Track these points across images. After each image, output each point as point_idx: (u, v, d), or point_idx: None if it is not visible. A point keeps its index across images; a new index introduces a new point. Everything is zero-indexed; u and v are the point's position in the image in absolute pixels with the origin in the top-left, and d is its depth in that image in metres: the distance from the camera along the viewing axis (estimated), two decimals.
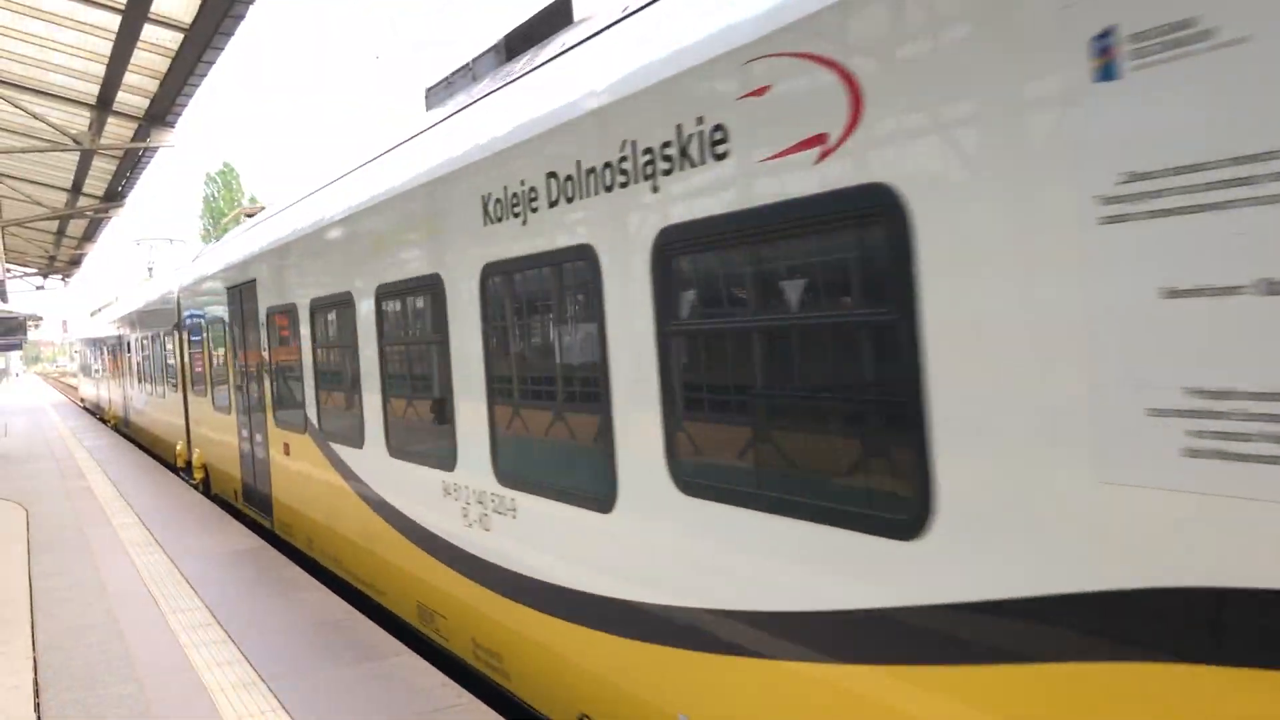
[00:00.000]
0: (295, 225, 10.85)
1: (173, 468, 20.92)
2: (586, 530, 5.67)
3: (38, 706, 6.91)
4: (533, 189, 5.88)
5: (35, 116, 15.47)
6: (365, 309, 8.74)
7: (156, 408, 23.33)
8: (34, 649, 8.23)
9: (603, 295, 5.29)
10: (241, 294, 13.15)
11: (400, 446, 8.32)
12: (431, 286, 7.36)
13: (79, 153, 18.20)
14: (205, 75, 13.55)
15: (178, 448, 20.39)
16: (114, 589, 10.12)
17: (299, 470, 11.25)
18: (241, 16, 11.32)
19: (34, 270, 39.74)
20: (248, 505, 14.22)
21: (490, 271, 6.49)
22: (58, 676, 7.49)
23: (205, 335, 16.05)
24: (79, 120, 16.41)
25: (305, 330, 10.48)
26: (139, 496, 16.49)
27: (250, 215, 18.59)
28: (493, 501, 6.70)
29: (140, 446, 26.14)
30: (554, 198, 5.68)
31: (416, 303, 7.89)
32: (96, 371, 41.78)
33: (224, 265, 14.22)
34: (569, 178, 5.51)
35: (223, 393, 15.04)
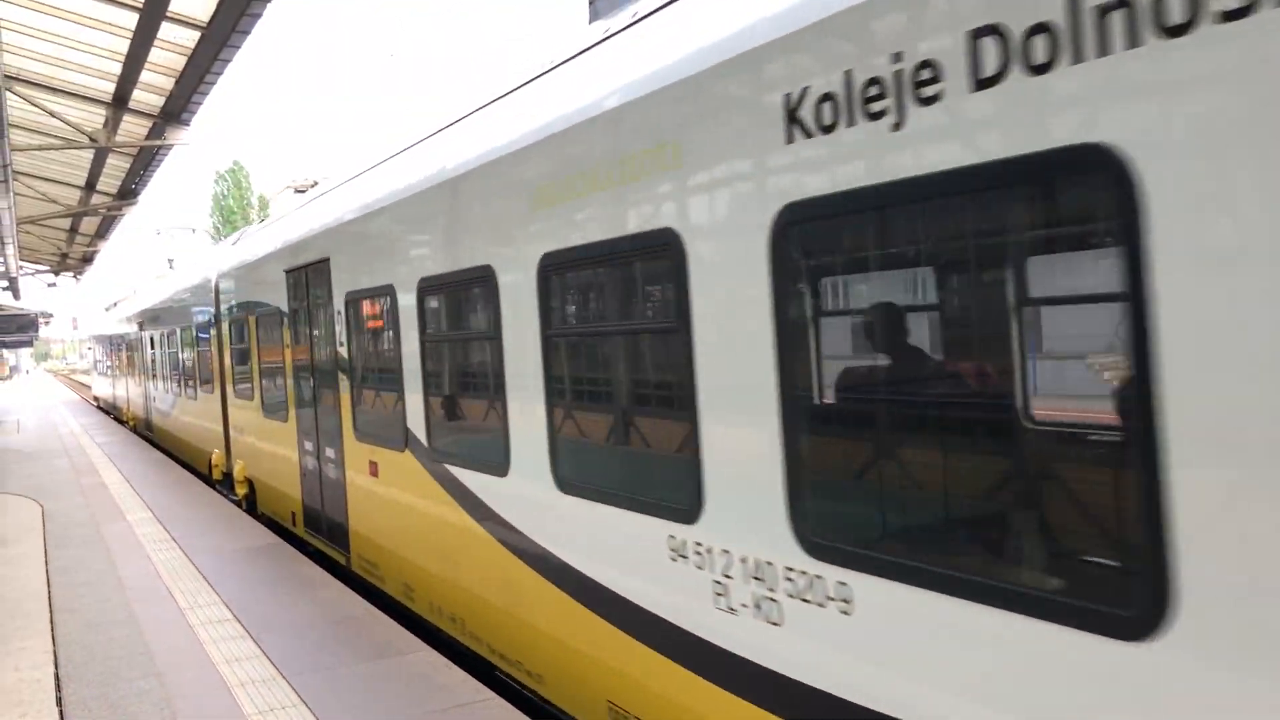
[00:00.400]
0: (396, 185, 8.51)
1: (206, 478, 18.12)
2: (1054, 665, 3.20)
3: (60, 699, 6.96)
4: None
5: (52, 114, 15.54)
6: (519, 287, 6.31)
7: (187, 410, 20.46)
8: (54, 643, 8.28)
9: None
10: (307, 278, 10.97)
11: (580, 479, 5.88)
12: (659, 247, 4.90)
13: (94, 150, 18.27)
14: (221, 74, 13.59)
15: (213, 457, 17.38)
16: (131, 584, 10.18)
17: (394, 498, 8.90)
18: (259, 15, 11.35)
19: (46, 267, 39.86)
20: (312, 534, 11.77)
21: (801, 216, 4.08)
22: (79, 670, 7.54)
23: (251, 328, 13.79)
24: (95, 118, 16.48)
25: (408, 318, 8.13)
26: (152, 492, 16.56)
27: (301, 191, 17.46)
28: (791, 582, 4.28)
29: (165, 452, 23.74)
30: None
31: (622, 274, 5.54)
32: (112, 369, 38.58)
33: (279, 246, 12.11)
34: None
35: (276, 395, 12.78)
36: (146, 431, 28.21)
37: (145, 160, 19.05)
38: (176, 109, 15.42)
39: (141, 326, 27.22)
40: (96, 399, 48.13)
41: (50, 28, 13.22)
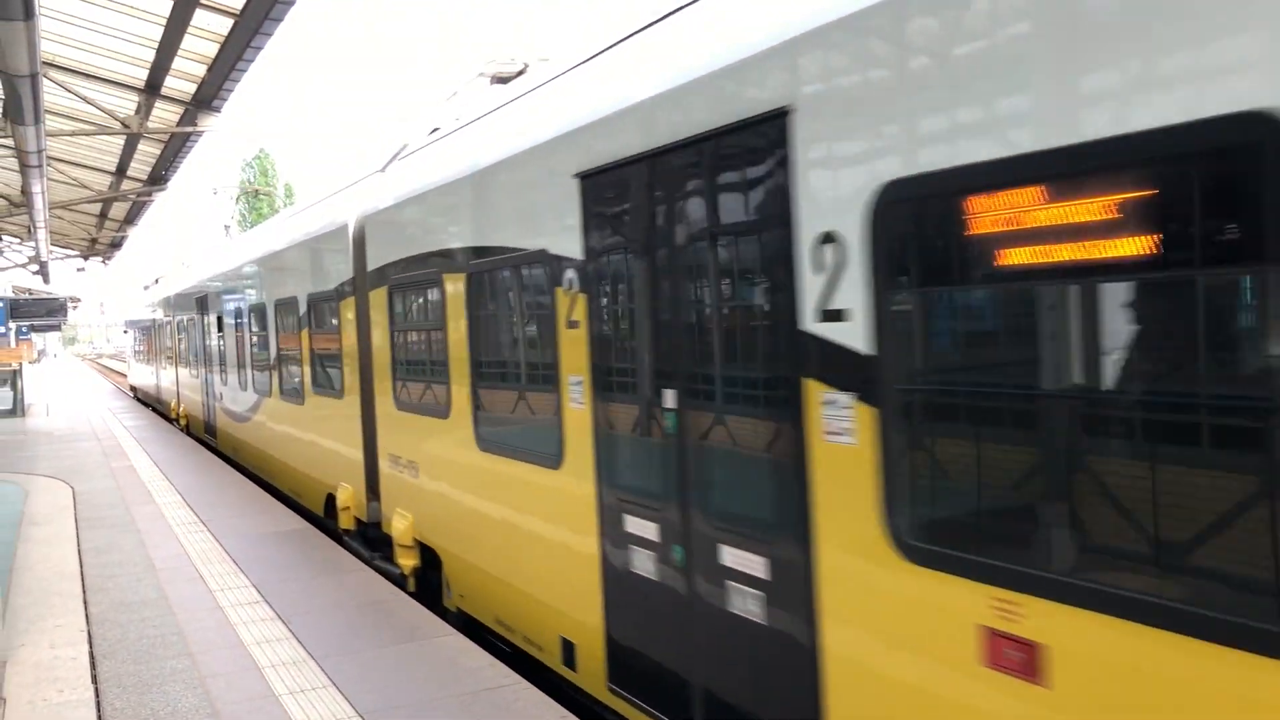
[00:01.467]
0: None
1: (318, 520, 12.97)
2: None
3: (95, 677, 7.07)
4: None
5: (85, 100, 15.69)
6: None
7: (287, 420, 14.47)
8: (87, 621, 8.41)
9: None
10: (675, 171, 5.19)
11: None
12: None
13: (125, 136, 18.43)
14: (253, 60, 13.67)
15: (339, 494, 11.65)
16: (162, 566, 10.31)
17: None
18: (292, 3, 11.41)
19: (75, 252, 40.24)
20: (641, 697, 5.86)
21: None
22: (113, 649, 7.66)
23: (455, 297, 8.01)
24: (127, 104, 16.62)
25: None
26: (181, 475, 16.74)
27: (505, 80, 8.95)
28: None
29: (239, 468, 18.09)
30: None
31: None
32: (156, 356, 32.59)
33: (565, 129, 6.35)
34: None
35: (523, 424, 7.16)
36: (207, 437, 22.19)
37: (176, 146, 19.19)
38: (208, 95, 15.52)
39: (203, 305, 21.39)
40: (134, 389, 43.22)
41: (85, 14, 13.34)
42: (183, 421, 26.39)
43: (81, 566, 10.42)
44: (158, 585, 9.53)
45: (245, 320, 17.05)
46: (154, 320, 32.23)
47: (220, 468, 17.66)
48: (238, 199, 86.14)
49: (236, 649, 7.53)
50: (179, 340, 26.06)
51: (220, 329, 19.49)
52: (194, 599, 9.00)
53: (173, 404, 28.22)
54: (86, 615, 8.63)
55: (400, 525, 9.56)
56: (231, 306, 18.28)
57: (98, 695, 6.70)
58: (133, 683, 6.89)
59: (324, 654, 7.31)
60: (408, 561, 9.51)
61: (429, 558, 9.24)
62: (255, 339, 16.22)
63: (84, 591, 9.41)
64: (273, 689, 6.65)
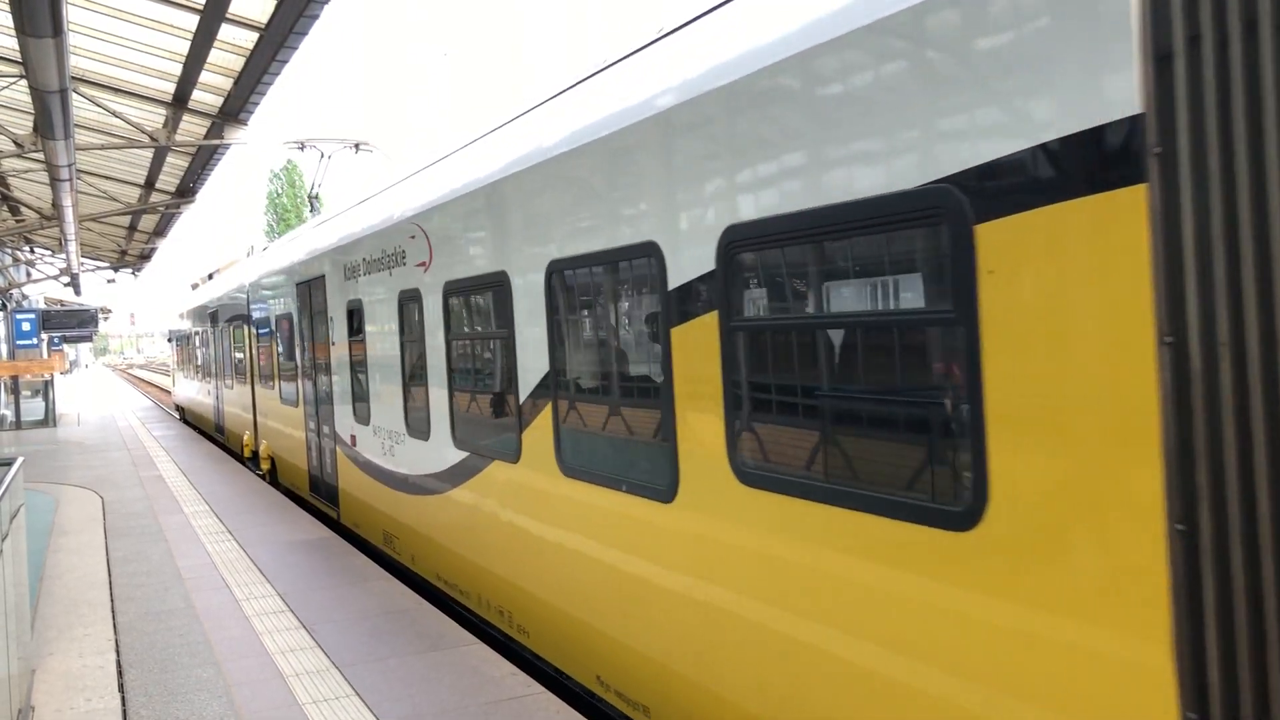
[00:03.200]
0: None
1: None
2: None
3: (121, 685, 7.14)
4: None
5: (114, 114, 15.90)
6: None
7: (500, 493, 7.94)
8: (115, 630, 8.49)
9: None
10: None
11: None
12: None
13: (154, 150, 18.66)
14: (279, 74, 13.83)
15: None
16: (189, 575, 10.39)
17: None
18: (316, 16, 11.53)
19: (106, 264, 40.73)
20: None
21: None
22: (140, 657, 7.72)
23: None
24: (155, 118, 16.83)
25: None
26: (209, 485, 16.88)
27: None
28: None
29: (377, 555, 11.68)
30: None
31: None
32: (216, 371, 24.39)
33: None
34: None
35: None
36: (320, 501, 14.28)
37: (204, 159, 19.42)
38: (235, 108, 15.70)
39: (311, 297, 13.99)
40: (179, 407, 35.48)
41: (113, 29, 13.53)
42: (264, 464, 17.83)
43: (110, 576, 10.52)
44: (184, 594, 9.61)
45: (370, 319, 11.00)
46: (209, 326, 24.96)
47: (245, 475, 17.79)
48: (266, 210, 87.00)
49: (261, 657, 7.58)
50: (259, 349, 18.01)
51: (359, 329, 11.56)
52: (220, 608, 9.07)
53: (245, 437, 20.01)
54: (114, 624, 8.71)
55: None
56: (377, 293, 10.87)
57: (124, 704, 6.76)
58: (159, 691, 6.95)
59: (347, 663, 7.35)
60: None
61: None
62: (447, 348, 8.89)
63: (112, 600, 9.51)
64: (296, 698, 6.69)
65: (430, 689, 6.71)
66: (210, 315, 25.14)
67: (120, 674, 7.39)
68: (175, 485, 17.09)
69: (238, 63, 13.83)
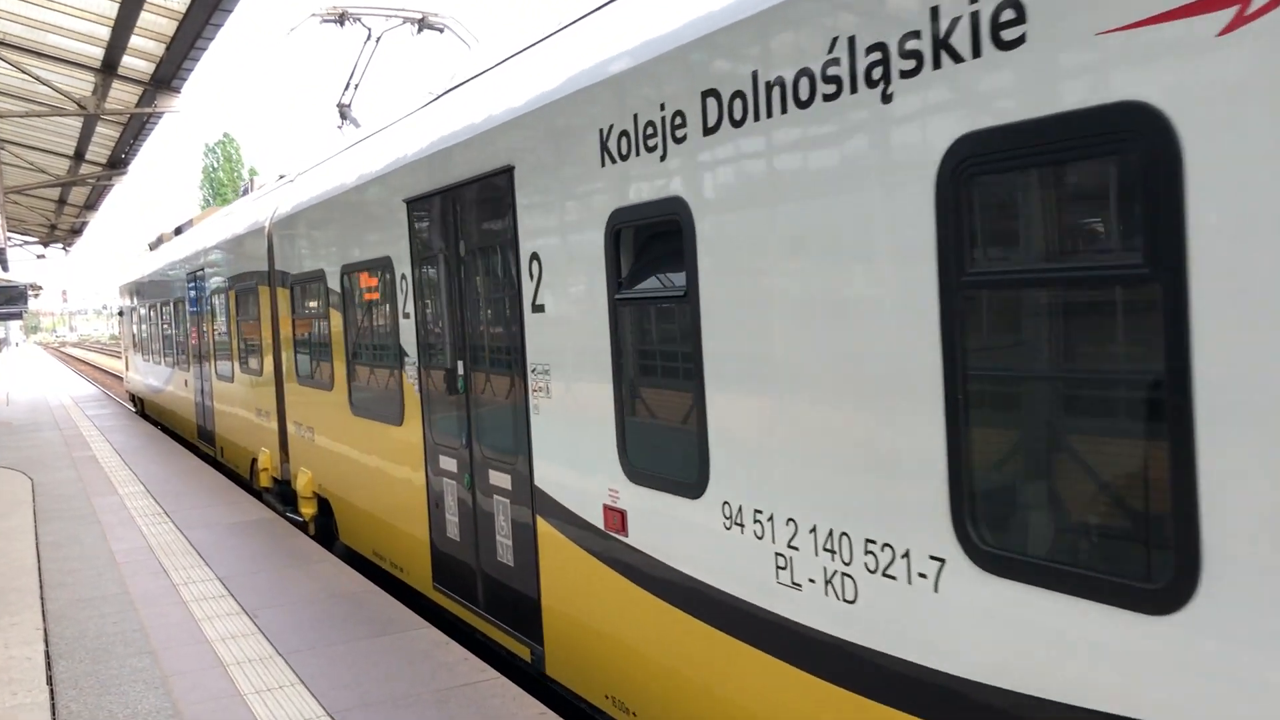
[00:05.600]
0: None
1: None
2: None
3: (50, 679, 6.78)
4: None
5: (38, 80, 15.21)
6: None
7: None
8: (44, 619, 8.10)
9: None
10: None
11: None
12: None
13: (82, 119, 17.93)
14: (213, 39, 13.27)
15: None
16: (123, 559, 9.99)
17: None
18: None
19: (34, 239, 39.43)
20: None
21: None
22: (70, 647, 7.36)
23: None
24: (83, 85, 16.14)
25: None
26: (144, 465, 16.35)
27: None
28: None
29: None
30: None
31: None
32: (200, 353, 17.51)
33: None
34: None
35: None
36: (388, 563, 9.35)
37: (135, 129, 18.72)
38: (167, 76, 15.09)
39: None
40: (137, 399, 28.33)
41: None
42: (305, 507, 11.54)
43: (39, 561, 10.08)
44: (119, 579, 9.22)
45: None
46: (188, 293, 18.23)
47: (183, 455, 17.25)
48: (202, 184, 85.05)
49: (200, 645, 7.26)
50: (298, 324, 11.62)
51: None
52: (156, 593, 8.70)
53: (262, 456, 13.32)
54: (43, 612, 8.32)
55: None
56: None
57: (53, 698, 6.41)
58: (90, 683, 6.60)
59: (292, 649, 7.05)
60: None
61: None
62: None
63: (41, 587, 9.09)
64: (238, 688, 6.39)
65: (380, 676, 6.45)
66: (192, 277, 17.69)
67: (49, 665, 7.03)
68: (109, 466, 16.53)
69: (169, 26, 13.26)
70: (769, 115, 4.22)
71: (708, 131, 4.56)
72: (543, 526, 6.26)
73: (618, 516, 5.51)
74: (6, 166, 22.65)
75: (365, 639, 7.18)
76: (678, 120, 4.76)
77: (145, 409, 26.45)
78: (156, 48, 14.20)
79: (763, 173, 4.30)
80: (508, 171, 6.34)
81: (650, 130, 4.96)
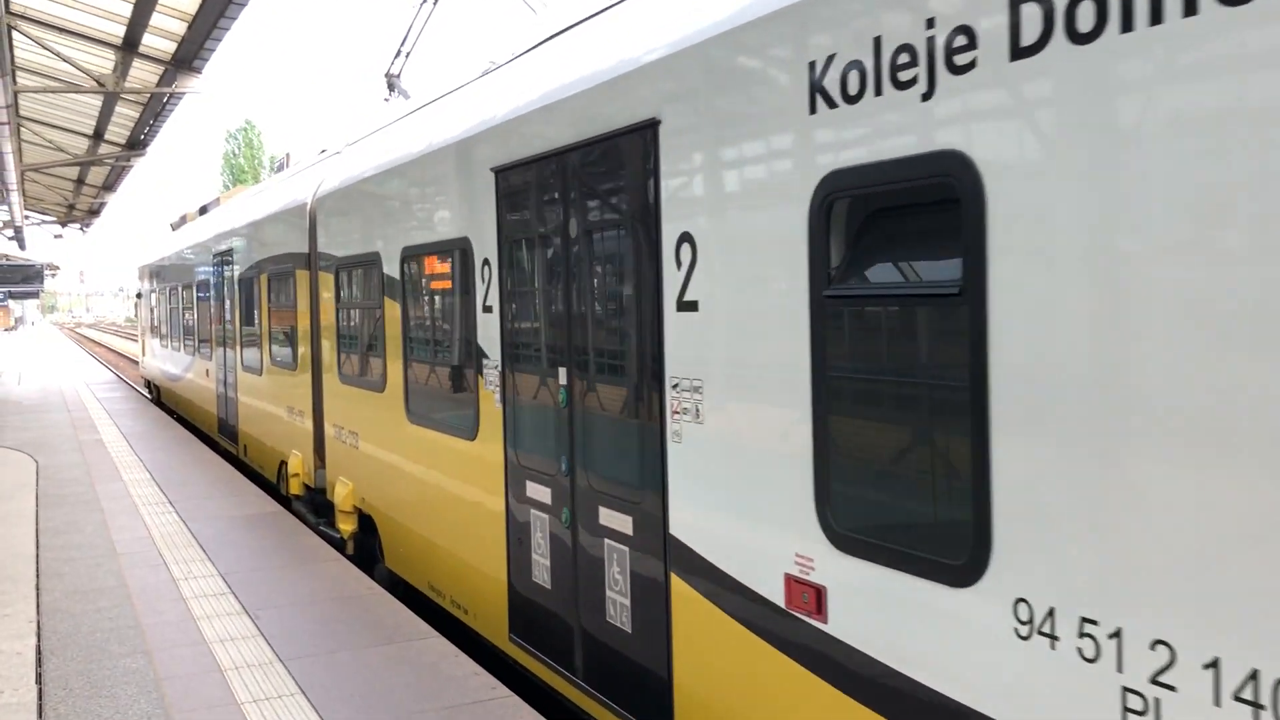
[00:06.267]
0: None
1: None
2: None
3: (40, 676, 6.46)
4: None
5: (59, 56, 14.96)
6: None
7: None
8: (38, 611, 7.78)
9: None
10: None
11: None
12: None
13: (102, 97, 17.70)
14: (235, 19, 13.00)
15: None
16: (124, 550, 9.67)
17: None
18: None
19: (52, 218, 39.30)
20: None
21: None
22: (63, 643, 7.03)
23: None
24: (104, 62, 15.89)
25: None
26: (150, 451, 16.06)
27: None
28: None
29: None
30: None
31: None
32: (225, 340, 16.09)
33: None
34: None
35: None
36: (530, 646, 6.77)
37: (155, 109, 18.46)
38: (189, 55, 14.82)
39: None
40: (153, 387, 27.09)
41: None
42: (344, 523, 10.15)
43: (38, 548, 9.78)
44: (117, 571, 8.90)
45: None
46: (215, 275, 16.69)
47: (191, 443, 16.96)
48: (222, 170, 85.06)
49: (198, 647, 6.92)
50: (344, 311, 10.12)
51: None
52: (155, 588, 8.38)
53: (292, 460, 12.03)
54: (38, 603, 8.00)
55: None
56: None
57: (40, 698, 6.09)
58: (80, 684, 6.27)
59: (293, 655, 6.71)
60: None
61: None
62: None
63: (38, 576, 8.78)
64: (235, 695, 6.05)
65: (385, 688, 6.10)
66: (218, 259, 16.34)
67: (40, 662, 6.70)
68: (116, 451, 16.25)
69: (192, 5, 12.98)
70: (1156, 20, 2.70)
71: (1020, 53, 3.08)
72: (680, 588, 4.83)
73: (810, 593, 4.01)
74: (25, 144, 22.44)
75: (371, 646, 6.83)
76: (959, 41, 3.28)
77: (161, 397, 25.23)
78: (179, 26, 13.94)
79: (1128, 113, 2.80)
80: (649, 127, 4.91)
81: (905, 58, 3.47)
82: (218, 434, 17.23)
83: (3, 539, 10.16)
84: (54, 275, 56.12)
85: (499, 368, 6.65)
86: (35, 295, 55.25)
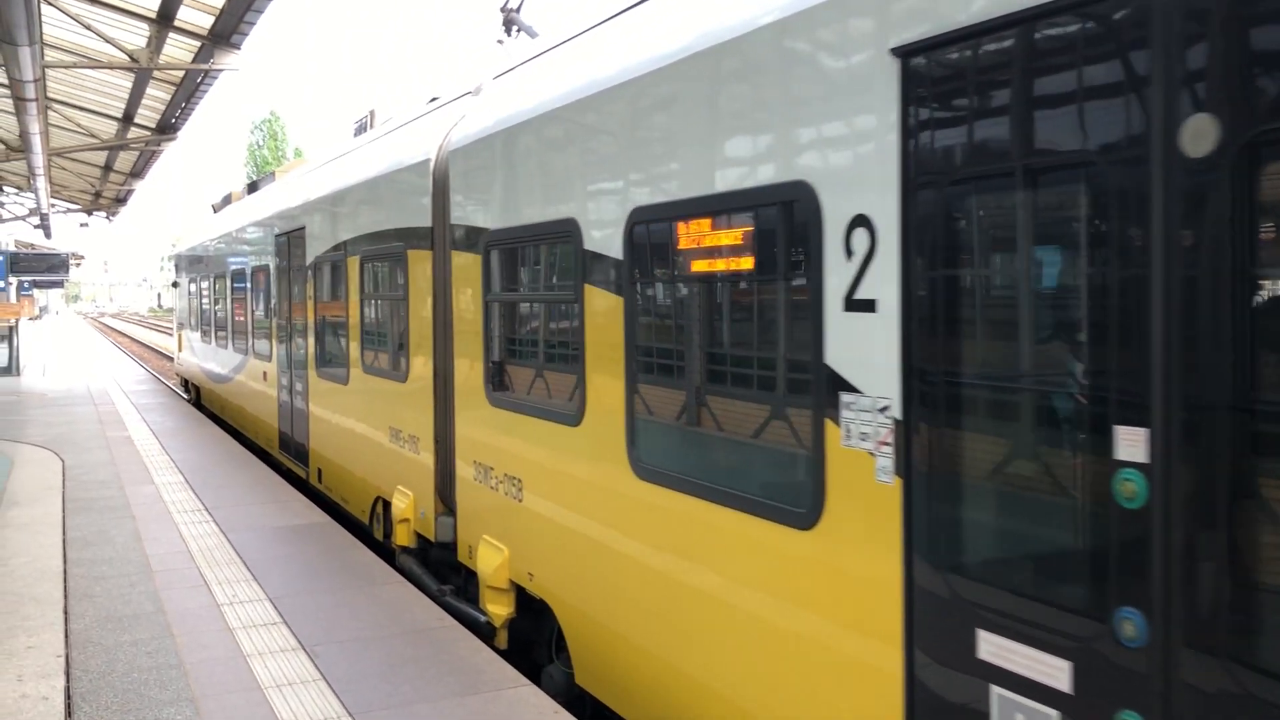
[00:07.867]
0: None
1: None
2: None
3: None
4: None
5: (89, 28, 14.03)
6: None
7: None
8: (66, 642, 6.84)
9: None
10: None
11: None
12: None
13: (132, 77, 16.79)
14: None
15: None
16: (159, 566, 8.74)
17: None
18: None
19: (78, 206, 38.55)
20: None
21: None
22: (95, 686, 6.08)
23: None
24: (136, 38, 14.96)
25: None
26: (182, 450, 15.14)
27: None
28: None
29: None
30: None
31: None
32: (290, 337, 13.75)
33: None
34: None
35: None
36: None
37: (189, 89, 17.51)
38: (227, 29, 13.84)
39: None
40: (191, 387, 24.81)
41: None
42: (494, 608, 7.42)
43: (65, 563, 8.85)
44: (153, 593, 7.96)
45: None
46: (280, 261, 14.46)
47: (224, 440, 16.03)
48: (246, 162, 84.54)
49: (251, 693, 5.96)
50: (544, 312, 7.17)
51: None
52: (197, 614, 7.43)
53: (399, 502, 9.40)
54: (66, 632, 7.06)
55: None
56: None
57: None
58: None
59: (364, 708, 5.74)
60: None
61: None
62: None
63: (66, 598, 7.84)
64: None
65: None
66: (284, 240, 14.10)
67: (69, 711, 5.75)
68: (146, 450, 15.35)
69: None
70: None
71: None
72: None
73: None
74: (52, 128, 21.61)
75: (452, 697, 5.85)
76: None
77: (201, 399, 22.40)
78: None
79: None
80: None
81: None
82: (278, 450, 14.67)
83: (28, 551, 9.24)
84: (79, 265, 55.57)
85: (890, 411, 3.80)
86: (60, 285, 54.66)
